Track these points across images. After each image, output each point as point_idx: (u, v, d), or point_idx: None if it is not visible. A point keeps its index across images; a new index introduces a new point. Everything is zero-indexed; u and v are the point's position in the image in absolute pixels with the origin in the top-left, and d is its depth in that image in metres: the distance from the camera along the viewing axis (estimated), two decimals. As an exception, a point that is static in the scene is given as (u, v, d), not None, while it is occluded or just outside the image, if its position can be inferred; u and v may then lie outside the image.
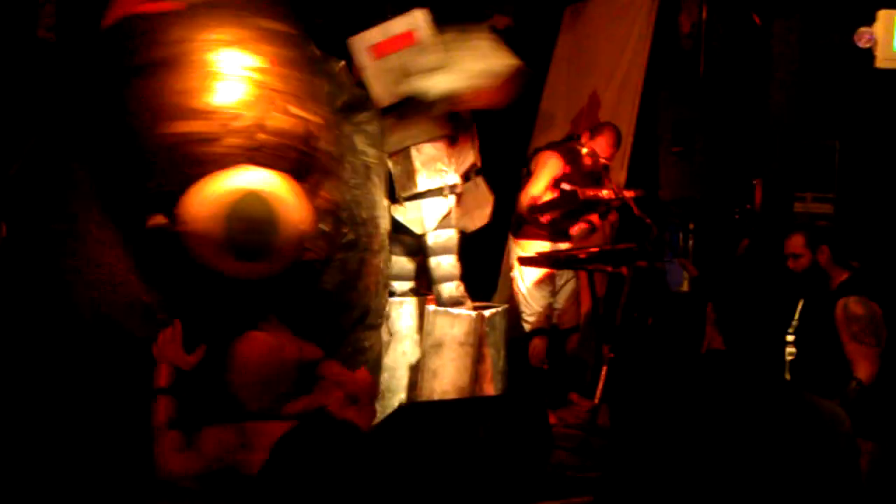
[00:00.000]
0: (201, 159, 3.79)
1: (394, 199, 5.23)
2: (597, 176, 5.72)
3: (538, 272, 5.81)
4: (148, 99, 3.84)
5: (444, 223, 5.17)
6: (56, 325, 3.83)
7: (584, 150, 5.64)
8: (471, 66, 4.80)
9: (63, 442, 3.77)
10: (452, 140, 5.05)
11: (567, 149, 5.85)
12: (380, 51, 4.90)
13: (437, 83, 4.77)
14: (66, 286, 3.86)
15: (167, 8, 4.04)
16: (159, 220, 3.78)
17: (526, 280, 5.88)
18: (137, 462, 3.51)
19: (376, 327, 4.71)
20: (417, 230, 5.16)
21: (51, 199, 3.99)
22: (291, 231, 3.90)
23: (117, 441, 3.69)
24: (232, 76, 3.95)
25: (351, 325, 4.47)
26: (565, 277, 5.92)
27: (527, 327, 5.93)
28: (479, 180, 5.36)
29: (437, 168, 5.04)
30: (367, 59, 4.87)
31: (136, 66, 3.90)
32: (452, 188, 5.12)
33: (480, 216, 5.39)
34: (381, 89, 4.96)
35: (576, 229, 5.86)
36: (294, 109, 4.07)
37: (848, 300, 4.08)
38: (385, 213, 4.79)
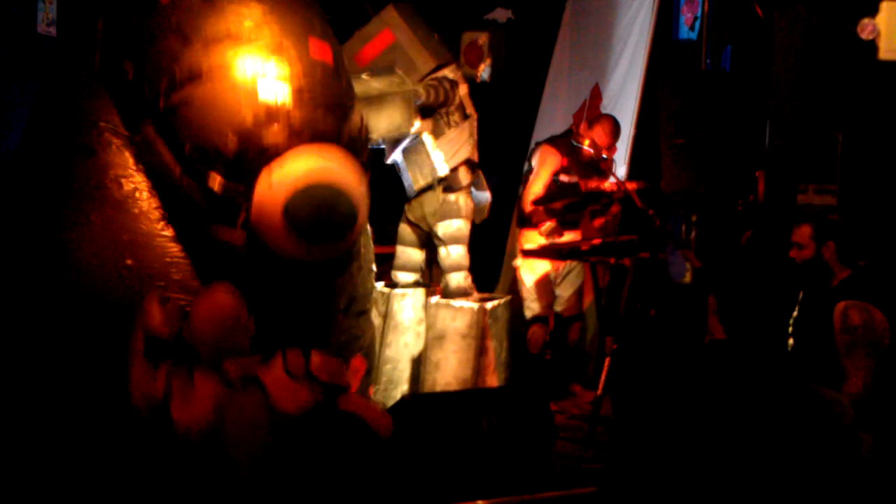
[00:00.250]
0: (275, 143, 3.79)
1: (407, 199, 5.32)
2: (597, 167, 5.72)
3: (543, 264, 5.83)
4: (223, 76, 3.83)
5: (452, 213, 5.20)
6: (59, 322, 3.82)
7: (586, 143, 5.63)
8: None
9: (70, 441, 3.78)
10: (436, 133, 5.08)
11: (565, 142, 5.87)
12: (364, 57, 4.92)
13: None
14: (70, 283, 3.86)
15: None
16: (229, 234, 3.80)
17: (530, 271, 5.89)
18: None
19: (365, 313, 4.71)
20: (424, 227, 5.22)
21: (49, 200, 3.99)
22: (362, 210, 3.93)
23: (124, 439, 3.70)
24: (310, 63, 3.95)
25: (339, 312, 4.47)
26: (568, 267, 5.91)
27: (528, 314, 5.93)
28: (478, 174, 5.38)
29: (423, 165, 5.09)
30: (353, 67, 4.90)
31: (212, 37, 3.88)
32: (445, 180, 5.15)
33: (478, 212, 5.40)
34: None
35: (600, 222, 5.88)
36: (355, 114, 4.15)
37: (847, 306, 4.02)
38: None
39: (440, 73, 5.12)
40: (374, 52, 4.93)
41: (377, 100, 4.87)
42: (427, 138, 5.09)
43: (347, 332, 4.49)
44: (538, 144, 6.02)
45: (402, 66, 4.93)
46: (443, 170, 5.12)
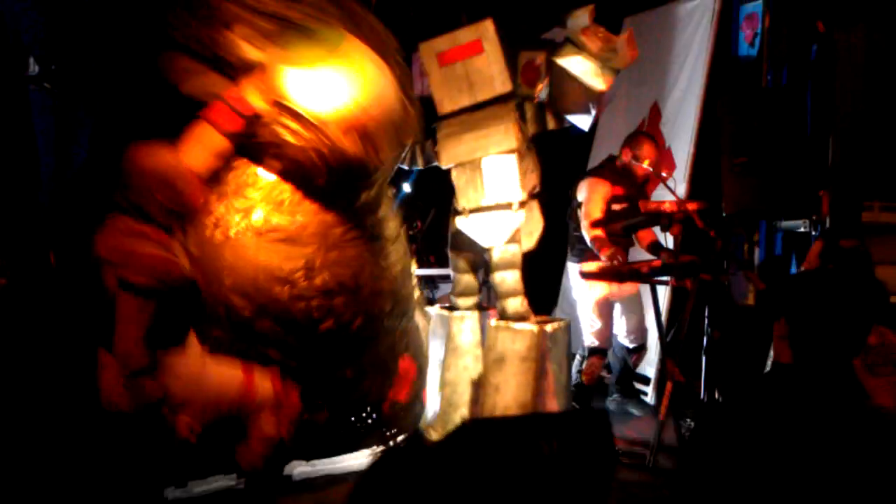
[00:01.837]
0: None
1: (453, 210, 5.25)
2: (645, 185, 5.73)
3: (600, 292, 5.82)
4: None
5: (509, 238, 5.17)
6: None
7: (646, 162, 5.61)
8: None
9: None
10: (521, 156, 5.05)
11: (610, 169, 5.86)
12: (446, 58, 4.96)
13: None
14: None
15: None
16: None
17: (587, 299, 5.87)
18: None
19: (408, 313, 4.78)
20: (484, 243, 5.17)
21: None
22: None
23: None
24: None
25: (384, 314, 4.54)
26: (628, 296, 5.90)
27: (586, 344, 5.91)
28: (534, 204, 5.35)
29: (505, 182, 5.05)
30: (433, 65, 4.95)
31: None
32: (521, 204, 5.12)
33: (528, 240, 5.35)
34: (443, 96, 5.02)
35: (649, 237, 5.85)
36: None
37: None
38: (392, 204, 4.87)
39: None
40: (459, 56, 4.98)
41: (483, 122, 4.95)
42: (514, 159, 5.07)
43: (392, 333, 4.52)
44: (582, 177, 6.00)
45: (479, 80, 4.96)
46: (521, 193, 5.09)
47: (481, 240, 5.17)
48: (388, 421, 4.60)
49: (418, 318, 5.04)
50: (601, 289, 5.86)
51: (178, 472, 4.11)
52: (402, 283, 4.73)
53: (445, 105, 5.06)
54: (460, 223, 5.19)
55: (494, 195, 5.06)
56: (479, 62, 4.96)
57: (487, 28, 4.94)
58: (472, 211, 5.14)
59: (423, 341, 5.03)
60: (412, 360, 4.73)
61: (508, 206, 5.04)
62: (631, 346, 5.98)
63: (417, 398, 4.90)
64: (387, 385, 4.60)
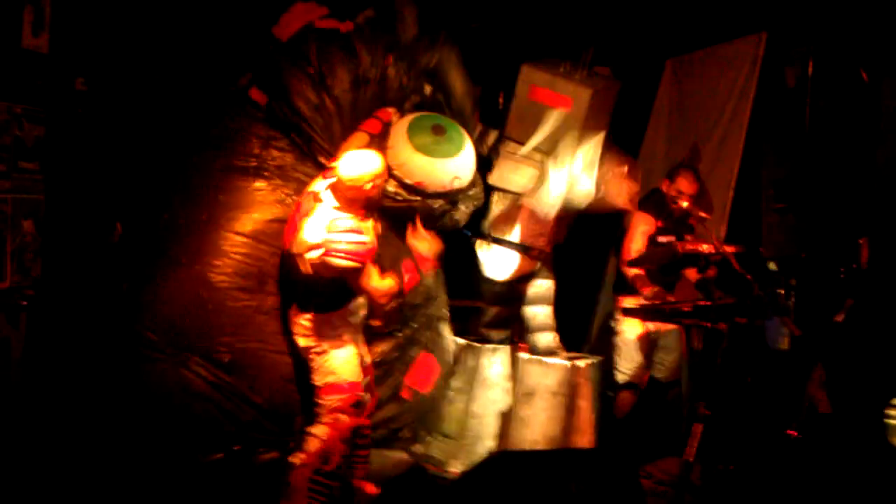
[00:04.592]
0: None
1: (479, 233, 5.30)
2: (687, 221, 5.71)
3: (640, 327, 5.79)
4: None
5: (539, 274, 5.19)
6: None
7: (685, 203, 5.59)
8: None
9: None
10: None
11: (655, 202, 5.85)
12: (537, 95, 5.02)
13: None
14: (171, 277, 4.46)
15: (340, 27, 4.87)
16: None
17: (627, 333, 5.84)
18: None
19: (432, 314, 5.17)
20: (489, 273, 5.22)
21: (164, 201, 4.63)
22: None
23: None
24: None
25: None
26: (667, 332, 5.85)
27: (620, 379, 5.86)
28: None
29: (537, 227, 5.12)
30: (523, 92, 4.99)
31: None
32: (538, 253, 5.17)
33: None
34: (517, 124, 5.05)
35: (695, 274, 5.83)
36: None
37: None
38: None
39: None
40: (546, 101, 5.09)
41: (519, 162, 5.08)
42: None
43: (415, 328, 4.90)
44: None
45: (557, 133, 5.02)
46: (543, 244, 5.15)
47: (489, 269, 5.24)
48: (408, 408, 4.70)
49: (446, 334, 5.11)
50: (637, 331, 5.83)
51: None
52: (436, 290, 5.08)
53: (513, 133, 5.12)
54: (479, 249, 5.24)
55: (524, 235, 5.12)
56: (558, 119, 5.04)
57: (582, 96, 5.02)
58: (495, 241, 5.20)
59: (448, 351, 5.09)
60: (434, 358, 4.83)
61: (528, 249, 5.11)
62: (665, 382, 5.92)
63: (435, 396, 4.97)
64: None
